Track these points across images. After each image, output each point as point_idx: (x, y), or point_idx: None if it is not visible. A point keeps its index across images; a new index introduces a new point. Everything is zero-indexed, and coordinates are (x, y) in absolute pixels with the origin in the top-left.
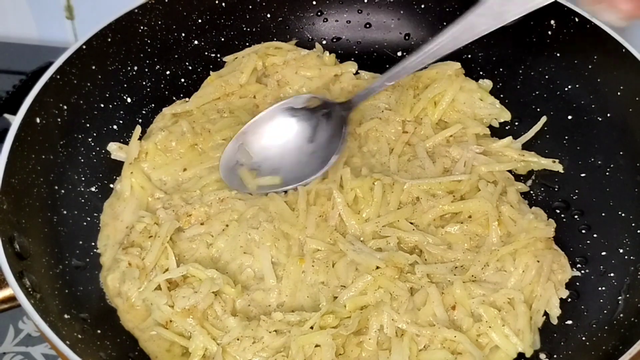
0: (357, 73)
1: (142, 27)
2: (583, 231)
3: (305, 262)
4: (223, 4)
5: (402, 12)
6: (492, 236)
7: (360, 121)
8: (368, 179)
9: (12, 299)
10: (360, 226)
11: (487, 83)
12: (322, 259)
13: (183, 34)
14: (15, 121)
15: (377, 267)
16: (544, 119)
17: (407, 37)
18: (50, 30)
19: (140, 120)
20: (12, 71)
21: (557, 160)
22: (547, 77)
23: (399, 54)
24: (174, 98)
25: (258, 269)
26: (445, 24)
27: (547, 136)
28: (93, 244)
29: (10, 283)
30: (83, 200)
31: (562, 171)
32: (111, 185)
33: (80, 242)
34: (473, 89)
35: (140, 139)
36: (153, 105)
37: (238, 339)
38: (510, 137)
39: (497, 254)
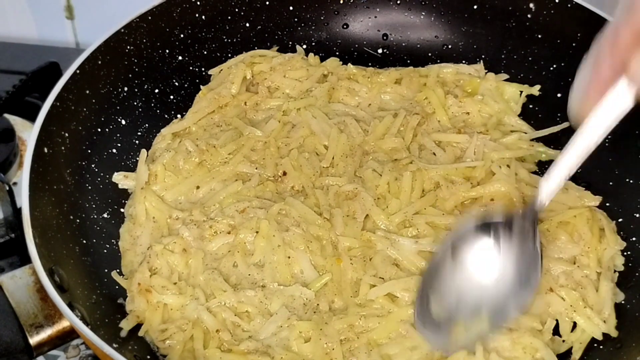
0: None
1: (128, 47)
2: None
3: (343, 261)
4: (203, 17)
5: (378, 9)
6: None
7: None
8: (392, 172)
9: (66, 333)
10: (388, 219)
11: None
12: (359, 256)
13: (167, 51)
14: (28, 153)
15: None
16: (566, 124)
17: (385, 37)
18: (50, 30)
19: (137, 142)
20: (12, 71)
21: None
22: (530, 59)
23: (380, 51)
24: (166, 116)
25: (301, 274)
26: (423, 14)
27: (540, 116)
28: (117, 270)
29: (66, 314)
30: (98, 228)
31: None
32: (121, 210)
33: (106, 271)
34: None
35: None
36: (147, 125)
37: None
38: (519, 133)
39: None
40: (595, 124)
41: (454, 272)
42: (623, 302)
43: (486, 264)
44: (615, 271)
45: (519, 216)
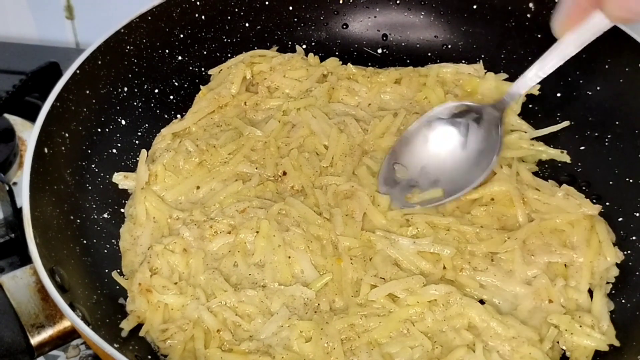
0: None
1: (128, 47)
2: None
3: (343, 261)
4: (203, 17)
5: (377, 9)
6: (519, 214)
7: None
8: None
9: (67, 333)
10: (385, 217)
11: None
12: (359, 255)
13: (167, 51)
14: (28, 153)
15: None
16: (565, 123)
17: (384, 37)
18: (50, 30)
19: (137, 142)
20: (12, 71)
21: (565, 151)
22: (530, 59)
23: (379, 51)
24: (166, 116)
25: (301, 274)
26: (422, 14)
27: (539, 115)
28: (118, 270)
29: (67, 314)
30: (99, 228)
31: (569, 161)
32: (122, 210)
33: (106, 271)
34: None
35: None
36: (147, 125)
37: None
38: (519, 133)
39: (540, 227)
40: (572, 40)
41: (422, 144)
42: (623, 301)
43: (452, 143)
44: (607, 282)
45: (491, 105)
